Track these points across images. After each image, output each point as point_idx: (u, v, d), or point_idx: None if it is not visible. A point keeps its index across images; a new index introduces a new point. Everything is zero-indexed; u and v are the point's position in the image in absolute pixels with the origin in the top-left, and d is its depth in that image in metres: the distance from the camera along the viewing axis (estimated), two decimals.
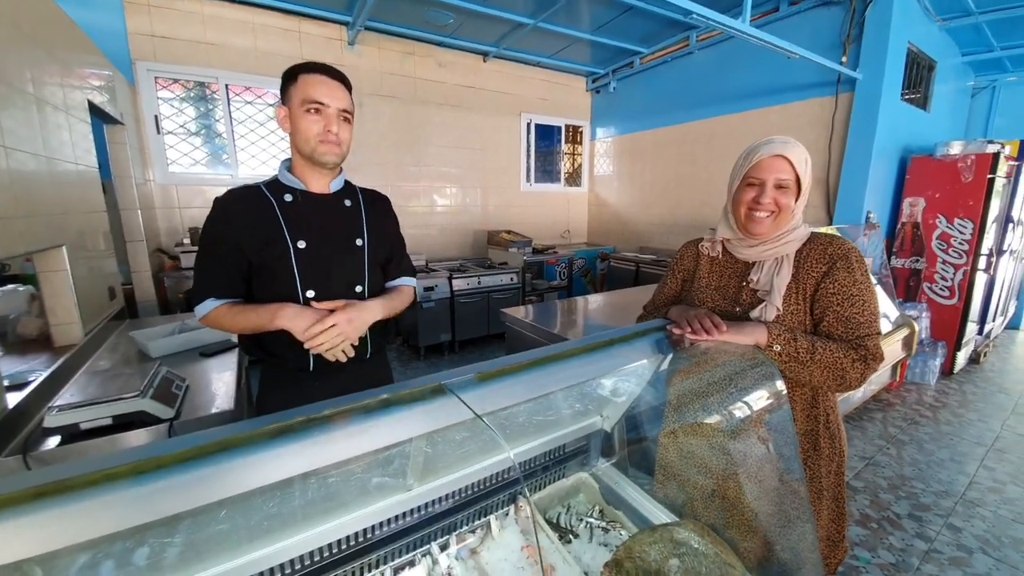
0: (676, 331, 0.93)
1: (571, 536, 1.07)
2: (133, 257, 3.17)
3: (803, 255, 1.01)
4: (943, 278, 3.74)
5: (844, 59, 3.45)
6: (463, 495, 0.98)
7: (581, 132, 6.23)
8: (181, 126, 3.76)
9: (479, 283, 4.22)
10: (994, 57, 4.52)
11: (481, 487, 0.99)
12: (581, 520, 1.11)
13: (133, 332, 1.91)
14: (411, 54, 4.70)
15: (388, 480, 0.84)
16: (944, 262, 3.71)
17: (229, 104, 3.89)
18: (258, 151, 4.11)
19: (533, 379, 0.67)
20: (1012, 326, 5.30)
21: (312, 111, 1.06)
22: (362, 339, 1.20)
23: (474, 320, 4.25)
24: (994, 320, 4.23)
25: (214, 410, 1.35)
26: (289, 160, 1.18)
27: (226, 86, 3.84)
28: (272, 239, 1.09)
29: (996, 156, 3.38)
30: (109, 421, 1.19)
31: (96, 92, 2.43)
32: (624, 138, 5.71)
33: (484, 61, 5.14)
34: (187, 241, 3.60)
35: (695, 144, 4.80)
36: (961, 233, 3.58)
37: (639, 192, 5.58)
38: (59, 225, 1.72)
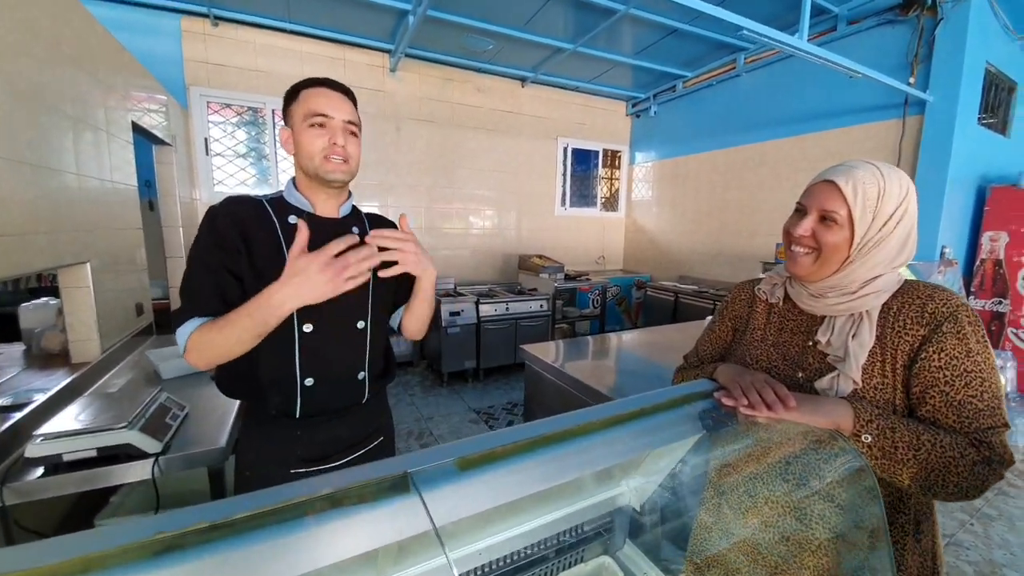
0: (728, 401, 0.73)
1: None
2: (172, 273, 3.26)
3: (893, 311, 0.78)
4: None
5: (912, 80, 3.16)
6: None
7: (619, 156, 6.08)
8: (229, 148, 3.91)
9: (507, 309, 4.07)
10: None
11: (490, 570, 0.82)
12: None
13: (150, 351, 1.89)
14: (450, 80, 4.76)
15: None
16: None
17: (275, 128, 4.03)
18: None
19: (535, 466, 0.51)
20: None
21: (316, 125, 0.96)
22: (359, 381, 1.08)
23: (500, 348, 4.09)
24: None
25: (202, 448, 1.25)
26: (293, 179, 1.07)
27: (272, 111, 3.98)
28: (271, 260, 0.96)
29: None
30: (94, 453, 1.11)
31: (145, 114, 2.53)
32: (665, 163, 5.51)
33: (522, 86, 5.14)
34: None
35: (743, 169, 4.54)
36: None
37: (679, 218, 5.33)
38: (85, 242, 1.73)
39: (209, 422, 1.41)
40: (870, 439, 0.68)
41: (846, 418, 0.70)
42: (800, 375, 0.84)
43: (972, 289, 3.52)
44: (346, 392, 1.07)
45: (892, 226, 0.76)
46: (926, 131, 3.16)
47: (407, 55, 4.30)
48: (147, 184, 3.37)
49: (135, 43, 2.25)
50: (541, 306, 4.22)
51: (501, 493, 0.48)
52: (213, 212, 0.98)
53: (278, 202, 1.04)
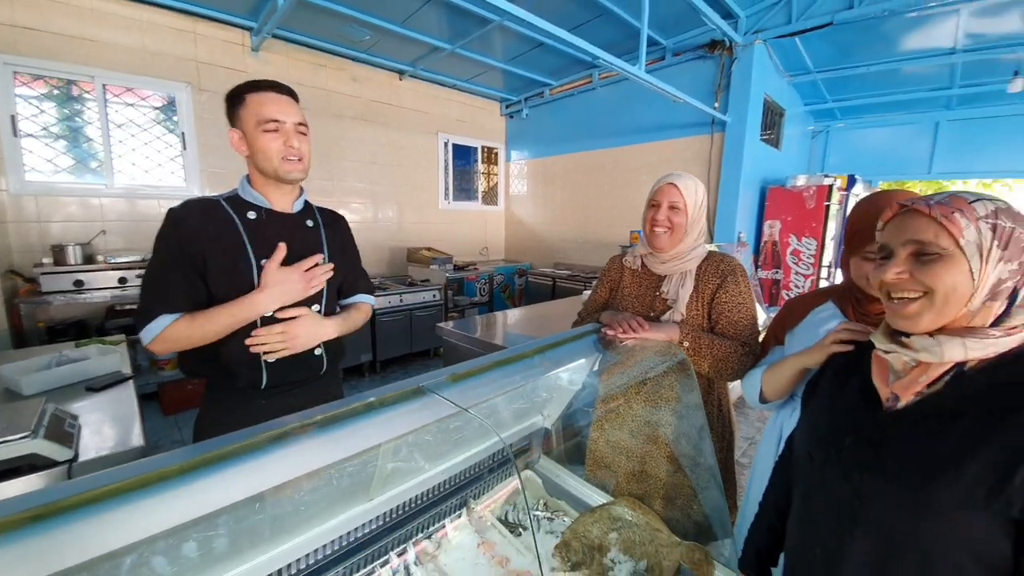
0: (609, 332, 1.09)
1: (520, 529, 1.15)
2: None
3: (702, 270, 1.23)
4: (796, 286, 4.53)
5: (717, 104, 4.09)
6: (419, 502, 1.02)
7: (496, 153, 6.48)
8: (45, 128, 3.24)
9: (401, 300, 4.16)
10: (827, 107, 5.66)
11: (436, 492, 1.04)
12: (527, 514, 1.20)
13: (2, 367, 1.61)
14: (323, 66, 4.57)
15: (350, 493, 0.86)
16: (797, 273, 4.50)
17: (106, 105, 3.44)
18: (140, 158, 3.67)
19: (499, 376, 0.75)
20: None
21: (270, 130, 1.05)
22: (317, 356, 1.19)
23: (396, 339, 4.17)
24: None
25: (121, 448, 1.21)
26: (247, 176, 1.15)
27: (103, 86, 3.40)
28: (236, 256, 1.05)
29: (831, 187, 4.23)
30: None
31: None
32: (537, 161, 6.07)
33: (400, 79, 5.16)
34: (48, 261, 3.07)
35: (601, 171, 5.28)
36: (808, 249, 4.39)
37: (552, 212, 5.95)
38: None
39: (110, 426, 1.33)
40: (687, 344, 1.11)
41: (675, 333, 1.11)
42: (652, 314, 1.25)
43: (760, 264, 4.70)
44: (306, 365, 1.17)
45: (700, 213, 1.21)
46: (727, 144, 4.14)
47: (274, 36, 4.03)
48: None
49: None
50: (434, 296, 4.39)
51: (481, 394, 0.72)
52: (175, 216, 1.04)
53: (234, 200, 1.12)
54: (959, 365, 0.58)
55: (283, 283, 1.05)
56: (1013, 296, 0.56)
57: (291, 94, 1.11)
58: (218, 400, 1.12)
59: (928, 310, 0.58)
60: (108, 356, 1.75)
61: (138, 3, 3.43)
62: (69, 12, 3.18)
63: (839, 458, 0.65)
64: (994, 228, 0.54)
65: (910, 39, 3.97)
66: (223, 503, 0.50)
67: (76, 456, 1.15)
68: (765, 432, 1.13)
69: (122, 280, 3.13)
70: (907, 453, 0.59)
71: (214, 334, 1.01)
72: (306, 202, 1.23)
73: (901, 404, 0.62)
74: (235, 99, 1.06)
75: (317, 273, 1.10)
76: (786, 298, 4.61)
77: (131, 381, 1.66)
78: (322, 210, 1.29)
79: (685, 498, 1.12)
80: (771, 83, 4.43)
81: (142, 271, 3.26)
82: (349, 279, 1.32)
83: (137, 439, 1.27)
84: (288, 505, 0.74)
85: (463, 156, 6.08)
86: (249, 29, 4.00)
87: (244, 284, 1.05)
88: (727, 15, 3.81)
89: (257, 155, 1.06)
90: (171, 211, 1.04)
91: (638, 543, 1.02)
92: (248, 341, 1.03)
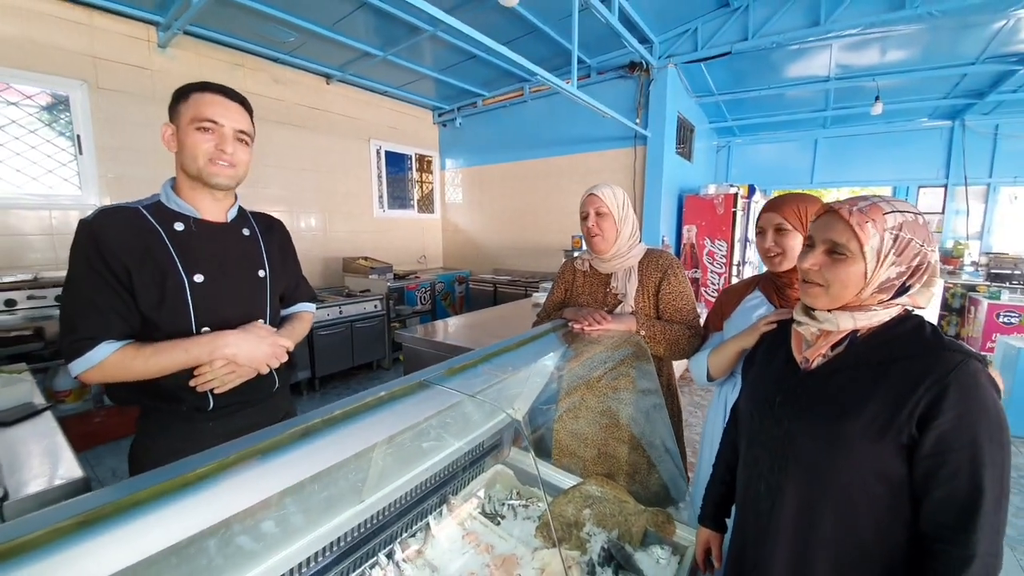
0: (576, 326, 1.20)
1: (499, 519, 1.22)
2: None
3: (644, 266, 1.40)
4: (712, 283, 5.05)
5: (638, 120, 4.47)
6: (404, 501, 1.05)
7: (430, 161, 6.47)
8: None
9: (340, 313, 4.01)
10: (728, 126, 6.41)
11: (420, 490, 1.08)
12: (503, 504, 1.27)
13: None
14: (240, 65, 4.30)
15: (343, 496, 0.88)
16: (712, 272, 5.01)
17: None
18: (25, 163, 3.21)
19: (485, 370, 0.82)
20: None
21: (202, 129, 0.99)
22: (268, 373, 1.15)
23: (337, 352, 4.01)
24: None
25: (58, 481, 1.09)
26: (172, 181, 1.06)
27: None
28: (163, 271, 0.97)
29: (736, 195, 4.78)
30: None
31: None
32: (472, 170, 6.16)
33: (327, 83, 5.00)
34: None
35: (535, 179, 5.50)
36: (720, 251, 4.91)
37: (489, 219, 6.06)
38: None
39: (38, 460, 1.19)
40: (644, 332, 1.25)
41: (632, 323, 1.26)
42: (605, 308, 1.39)
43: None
44: (257, 383, 1.11)
45: (626, 212, 1.36)
46: (648, 156, 4.53)
47: (185, 32, 3.74)
48: None
49: None
50: (376, 306, 4.29)
51: (473, 385, 0.79)
52: (90, 229, 0.93)
53: (156, 208, 1.02)
54: (853, 333, 0.76)
55: (254, 343, 1.02)
56: (901, 290, 0.74)
57: (243, 102, 1.06)
58: (158, 427, 1.04)
59: (825, 295, 0.75)
60: (15, 386, 1.55)
61: None
62: None
63: (772, 411, 0.81)
64: (895, 239, 0.70)
65: (793, 68, 4.65)
66: (232, 510, 0.51)
67: (6, 494, 1.03)
68: (711, 405, 1.31)
69: (9, 303, 2.71)
70: (819, 401, 0.76)
71: (158, 370, 0.93)
72: (240, 209, 1.16)
73: (813, 365, 0.79)
74: (180, 96, 1.00)
75: (279, 353, 1.06)
76: (705, 295, 5.11)
77: (49, 412, 1.48)
78: (257, 215, 1.22)
79: (644, 471, 1.26)
80: (683, 102, 4.93)
81: (34, 292, 2.86)
82: (290, 286, 1.28)
83: (77, 470, 1.15)
84: (284, 512, 0.76)
85: (396, 163, 6.00)
86: (155, 24, 3.68)
87: (175, 304, 0.98)
88: (643, 40, 4.19)
89: (183, 153, 0.99)
90: (84, 222, 0.94)
91: (609, 515, 1.14)
92: (192, 382, 0.97)
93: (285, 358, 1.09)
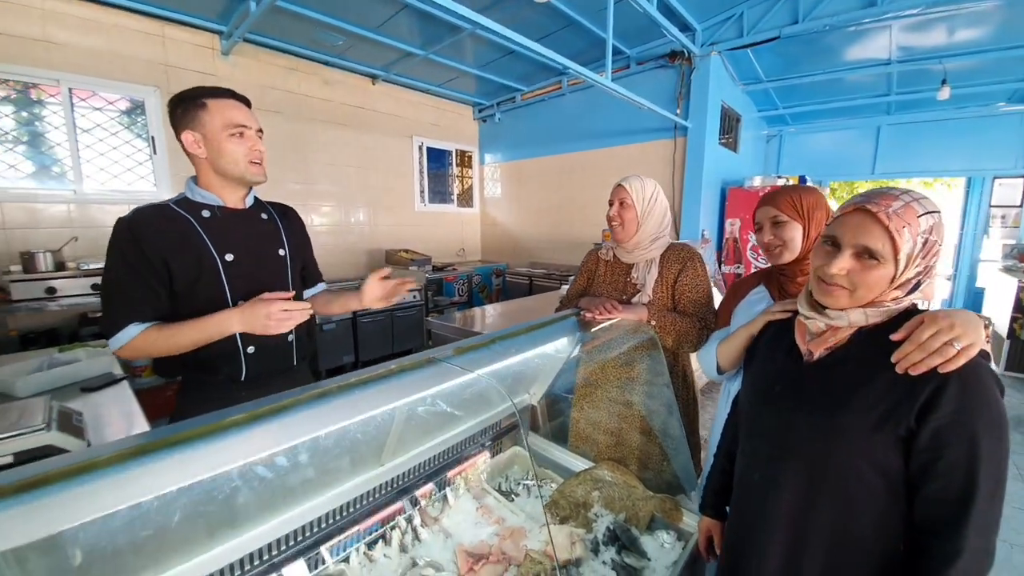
0: (587, 314, 1.24)
1: (513, 496, 1.28)
2: None
3: (665, 258, 1.41)
4: None
5: (678, 111, 4.35)
6: (425, 468, 1.14)
7: (470, 156, 6.60)
8: (6, 133, 3.14)
9: None
10: (779, 114, 6.07)
11: (439, 461, 1.15)
12: (519, 483, 1.33)
13: None
14: (295, 70, 4.58)
15: (363, 458, 0.97)
16: (756, 267, 4.81)
17: (73, 110, 3.37)
18: (108, 163, 3.60)
19: (496, 351, 0.88)
20: None
21: (237, 135, 1.11)
22: (288, 342, 1.26)
23: (378, 339, 4.22)
24: None
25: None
26: (195, 178, 1.18)
27: (69, 90, 3.33)
28: (198, 254, 1.10)
29: None
30: (10, 459, 1.07)
31: None
32: (510, 164, 6.22)
33: (373, 83, 5.21)
34: (17, 268, 2.99)
35: (572, 173, 5.48)
36: None
37: (526, 213, 6.11)
38: None
39: (115, 421, 1.38)
40: (655, 323, 1.27)
41: (644, 313, 1.28)
42: (624, 297, 1.41)
43: (723, 259, 5.00)
44: (281, 354, 1.25)
45: (652, 207, 1.37)
46: (689, 148, 4.40)
47: (245, 40, 4.03)
48: None
49: None
50: (415, 296, 4.47)
51: (481, 365, 0.85)
52: (132, 224, 1.06)
53: (184, 202, 1.15)
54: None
55: (258, 313, 1.05)
56: (915, 286, 0.72)
57: (248, 103, 1.18)
58: (196, 398, 1.16)
59: (849, 297, 0.73)
60: (99, 358, 1.78)
61: (104, 6, 3.38)
62: (31, 15, 3.11)
63: (772, 400, 0.82)
64: (925, 242, 0.68)
65: (850, 51, 4.34)
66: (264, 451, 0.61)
67: (89, 445, 1.21)
68: (720, 400, 1.30)
69: (95, 287, 3.07)
70: (820, 391, 0.76)
71: (179, 347, 1.05)
72: (255, 197, 1.27)
73: (816, 356, 0.79)
74: (192, 102, 1.08)
75: (294, 315, 1.08)
76: None
77: (125, 381, 1.70)
78: (272, 204, 1.33)
79: (657, 459, 1.28)
80: (727, 91, 4.73)
81: None
82: (310, 269, 1.41)
83: (146, 428, 1.32)
84: (309, 468, 0.85)
85: (438, 159, 6.16)
86: (219, 33, 3.99)
87: (213, 281, 1.10)
88: (685, 28, 4.07)
89: (222, 158, 1.10)
90: (122, 220, 1.06)
91: (617, 499, 1.17)
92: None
93: (302, 313, 1.11)
